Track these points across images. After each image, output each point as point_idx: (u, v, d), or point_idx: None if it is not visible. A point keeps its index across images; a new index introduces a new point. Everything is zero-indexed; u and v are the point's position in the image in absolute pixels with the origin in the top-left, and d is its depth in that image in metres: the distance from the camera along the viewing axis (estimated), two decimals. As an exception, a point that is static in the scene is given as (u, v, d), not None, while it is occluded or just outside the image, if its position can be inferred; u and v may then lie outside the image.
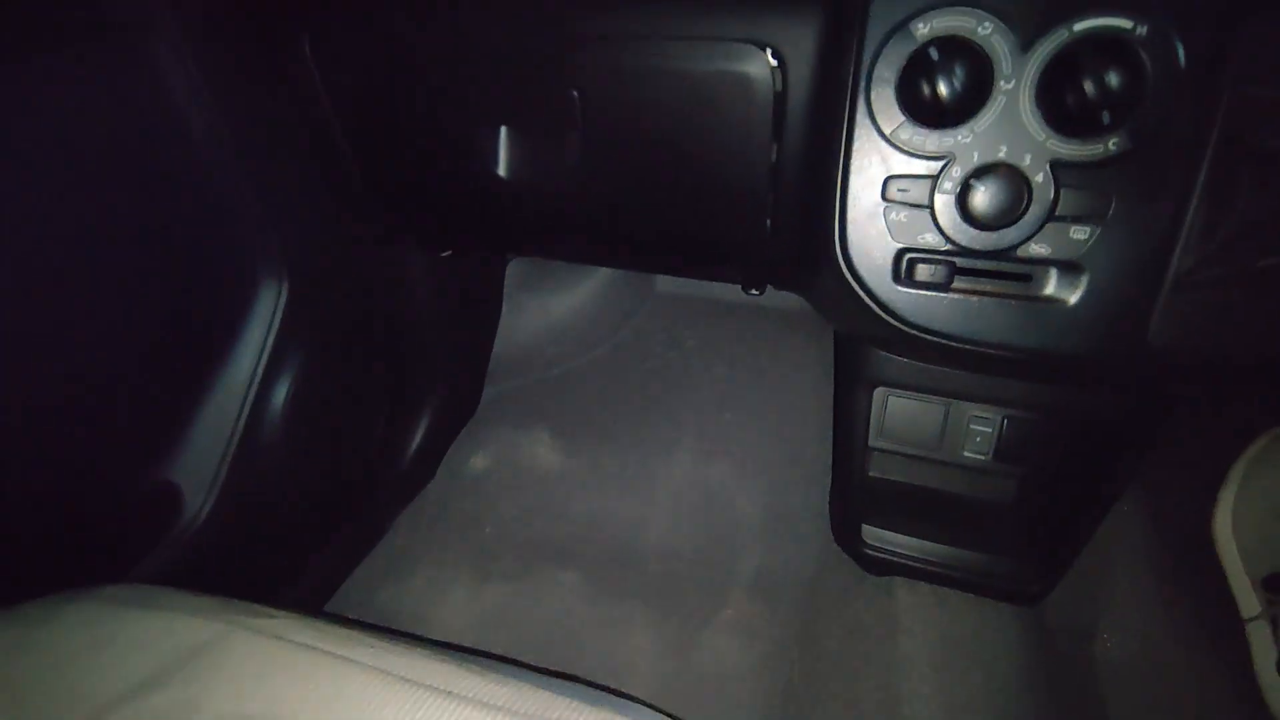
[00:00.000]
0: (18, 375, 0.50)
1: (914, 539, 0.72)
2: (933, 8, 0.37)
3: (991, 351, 0.39)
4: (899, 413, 0.63)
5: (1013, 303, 0.40)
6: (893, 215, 0.41)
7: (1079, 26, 0.35)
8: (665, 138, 0.51)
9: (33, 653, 0.37)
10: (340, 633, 0.36)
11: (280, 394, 0.75)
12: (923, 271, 0.40)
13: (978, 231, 0.39)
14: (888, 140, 0.40)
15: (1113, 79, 0.35)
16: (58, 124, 0.50)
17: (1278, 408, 0.86)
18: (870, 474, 0.68)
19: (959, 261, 0.40)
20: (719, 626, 0.89)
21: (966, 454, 0.61)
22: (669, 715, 0.35)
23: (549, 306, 1.20)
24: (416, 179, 0.64)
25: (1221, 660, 0.79)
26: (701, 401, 1.07)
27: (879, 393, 0.63)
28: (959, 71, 0.37)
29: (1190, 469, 0.88)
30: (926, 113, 0.38)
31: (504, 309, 1.17)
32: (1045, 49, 0.36)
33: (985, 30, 0.36)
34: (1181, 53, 0.34)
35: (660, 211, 0.56)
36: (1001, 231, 0.38)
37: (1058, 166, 0.37)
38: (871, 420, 0.64)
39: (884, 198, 0.41)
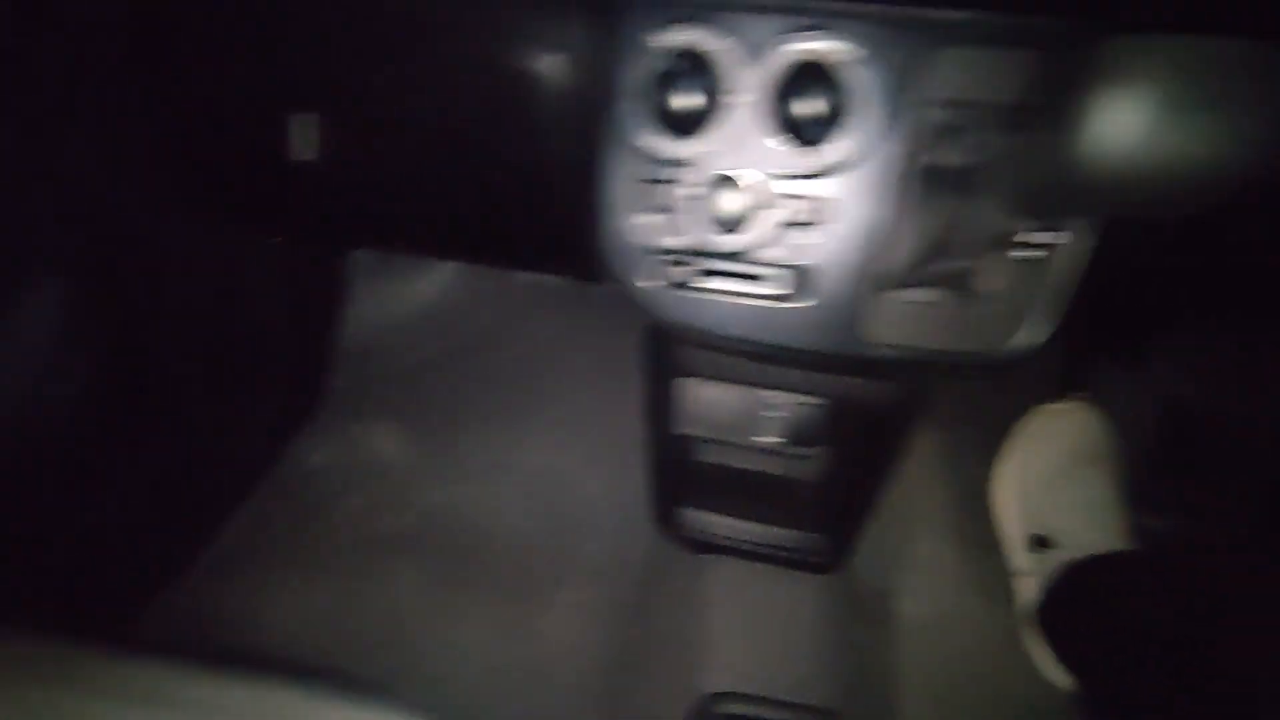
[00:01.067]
0: None
1: (728, 519, 0.77)
2: (672, 23, 0.40)
3: (742, 346, 0.43)
4: (701, 400, 0.66)
5: (753, 301, 0.44)
6: (641, 219, 0.43)
7: (791, 49, 0.39)
8: (466, 132, 0.51)
9: None
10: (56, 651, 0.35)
11: (62, 404, 0.68)
12: (672, 272, 0.43)
13: (716, 235, 0.42)
14: (635, 147, 0.42)
15: (824, 98, 0.39)
16: None
17: (1062, 387, 0.99)
18: (679, 459, 0.72)
19: (705, 264, 0.43)
20: (558, 609, 0.91)
21: (764, 438, 0.65)
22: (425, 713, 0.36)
23: (399, 296, 1.17)
24: (219, 152, 0.61)
25: (999, 611, 0.91)
26: (555, 389, 1.08)
27: (682, 382, 0.66)
28: (696, 84, 0.40)
29: (982, 443, 1.00)
30: (669, 122, 0.41)
31: (350, 298, 1.13)
32: (770, 67, 0.39)
33: (717, 46, 0.39)
34: (876, 78, 0.38)
35: (468, 207, 0.57)
36: (738, 235, 0.42)
37: (784, 176, 0.41)
38: (676, 408, 0.67)
39: (633, 201, 0.43)
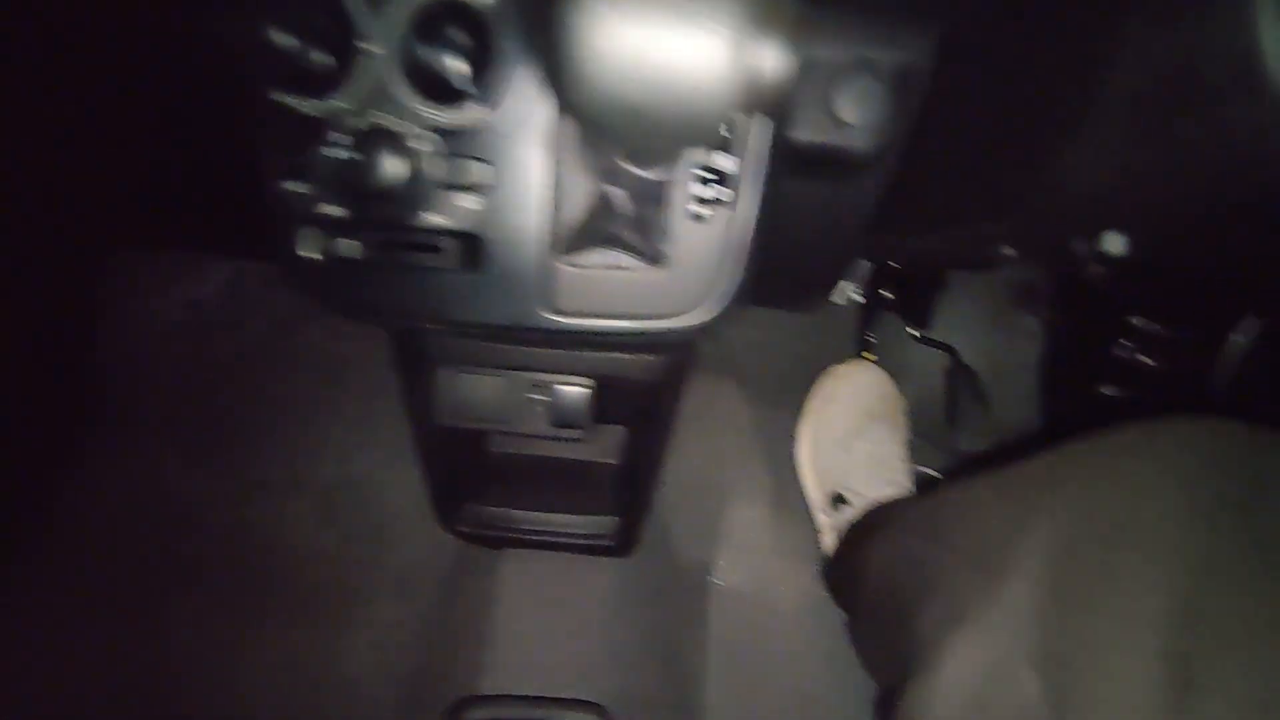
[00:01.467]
0: None
1: (516, 510, 0.73)
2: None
3: (415, 324, 0.39)
4: (460, 390, 0.62)
5: (432, 274, 0.39)
6: (286, 186, 0.38)
7: None
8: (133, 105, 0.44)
9: None
10: None
11: None
12: (330, 245, 0.38)
13: (373, 201, 0.37)
14: (271, 106, 0.36)
15: (469, 46, 0.35)
16: None
17: (861, 348, 1.04)
18: (450, 454, 0.68)
19: (364, 235, 0.38)
20: (360, 627, 0.84)
21: (531, 425, 0.62)
22: None
23: (167, 303, 1.04)
24: None
25: (808, 572, 0.94)
26: (347, 392, 1.00)
27: (439, 371, 0.61)
28: (322, 32, 0.35)
29: (790, 409, 1.02)
30: (301, 77, 0.36)
31: (104, 312, 0.99)
32: (401, 10, 0.35)
33: None
34: (529, 27, 0.35)
35: (157, 189, 0.49)
36: (399, 201, 0.37)
37: (441, 134, 0.37)
38: (436, 400, 0.62)
39: (279, 168, 0.37)
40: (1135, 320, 0.81)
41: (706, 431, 1.00)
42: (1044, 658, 0.34)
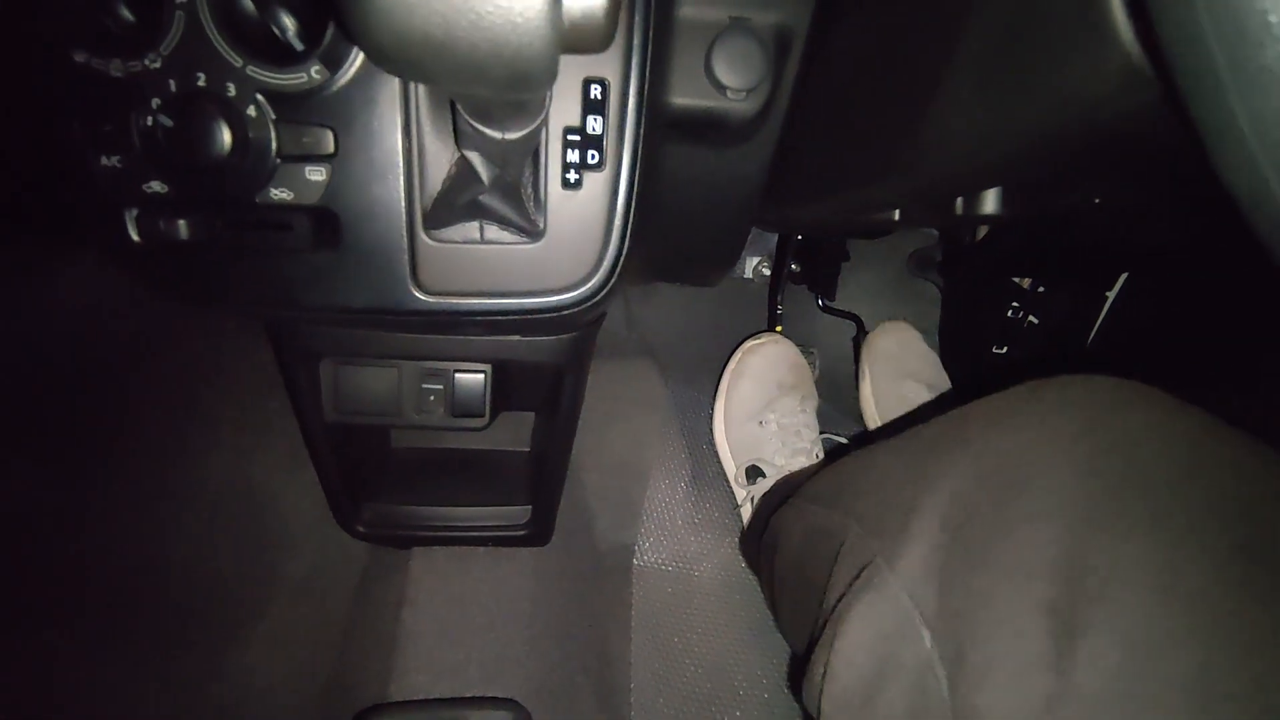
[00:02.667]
0: None
1: (423, 507, 0.70)
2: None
3: (267, 312, 0.36)
4: (349, 383, 0.58)
5: (280, 256, 0.36)
6: (102, 161, 0.33)
7: None
8: None
9: None
10: None
11: None
12: (166, 228, 0.34)
13: (203, 176, 0.33)
14: (72, 68, 0.32)
15: (295, 2, 0.32)
16: None
17: (770, 326, 1.04)
18: (343, 451, 0.63)
19: (198, 213, 0.34)
20: (259, 643, 0.78)
21: (428, 415, 0.59)
22: None
23: (20, 307, 0.92)
24: None
25: (728, 545, 0.94)
26: (235, 392, 0.93)
27: (324, 365, 0.57)
28: None
29: (706, 385, 1.02)
30: (108, 36, 0.31)
31: None
32: None
33: None
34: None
35: None
36: (233, 175, 0.33)
37: (271, 99, 0.33)
38: (323, 395, 0.58)
39: (87, 143, 0.33)
40: (1022, 282, 0.85)
41: (623, 412, 0.99)
42: (941, 617, 0.35)
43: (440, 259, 0.37)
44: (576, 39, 0.21)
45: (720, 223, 0.54)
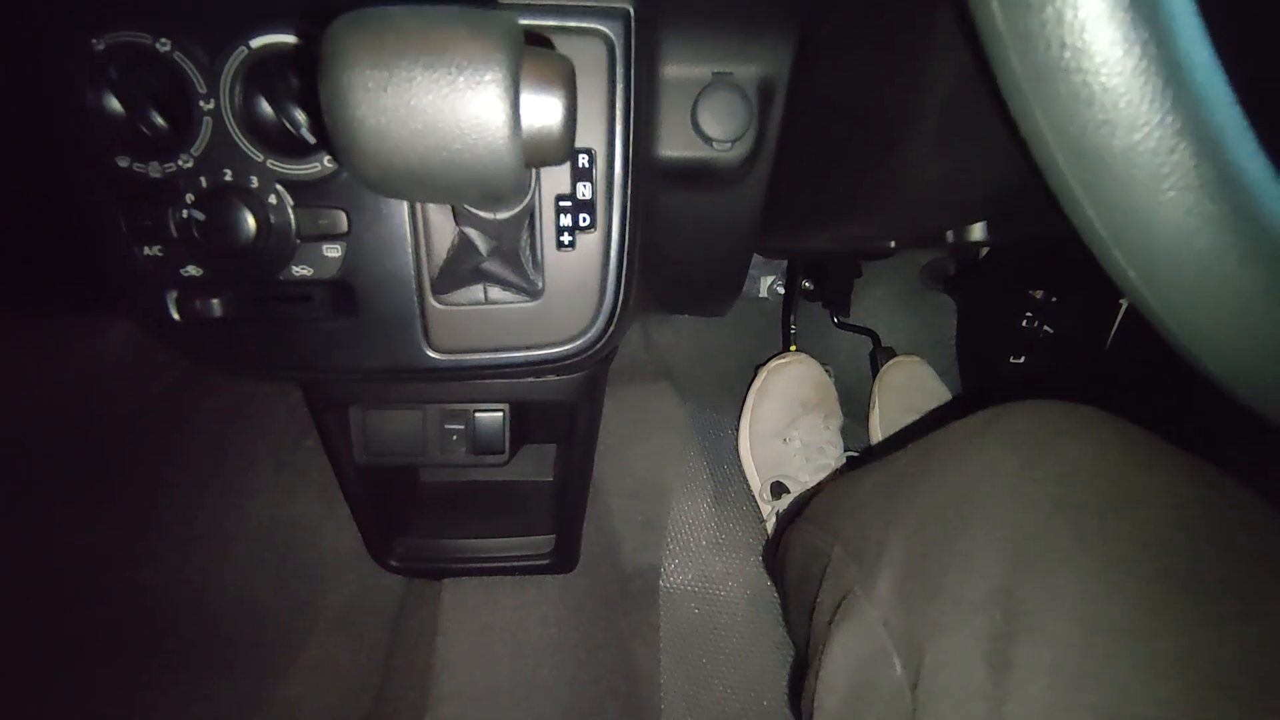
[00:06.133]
0: None
1: (452, 539, 0.73)
2: (117, 27, 0.34)
3: (298, 377, 0.39)
4: (376, 427, 0.61)
5: (304, 326, 0.39)
6: (144, 251, 0.37)
7: (255, 43, 0.34)
8: None
9: None
10: None
11: None
12: (203, 307, 0.37)
13: (232, 259, 0.37)
14: (114, 172, 0.35)
15: (302, 96, 0.35)
16: None
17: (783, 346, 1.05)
18: (375, 490, 0.67)
19: (229, 293, 0.38)
20: (299, 672, 0.82)
21: (451, 455, 0.62)
22: None
23: (69, 357, 0.99)
24: None
25: (752, 563, 0.95)
26: (276, 434, 0.97)
27: (353, 411, 0.60)
28: (159, 95, 0.34)
29: (728, 405, 1.04)
30: (142, 140, 0.35)
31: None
32: (232, 66, 0.34)
33: (166, 47, 0.34)
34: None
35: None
36: (258, 256, 0.37)
37: (290, 187, 0.36)
38: (353, 438, 0.61)
39: (130, 236, 0.37)
40: (1035, 293, 0.85)
41: (644, 435, 1.01)
42: (904, 643, 0.36)
43: (449, 320, 0.39)
44: (538, 158, 0.24)
45: (719, 260, 0.56)
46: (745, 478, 0.98)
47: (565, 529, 0.72)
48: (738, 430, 0.99)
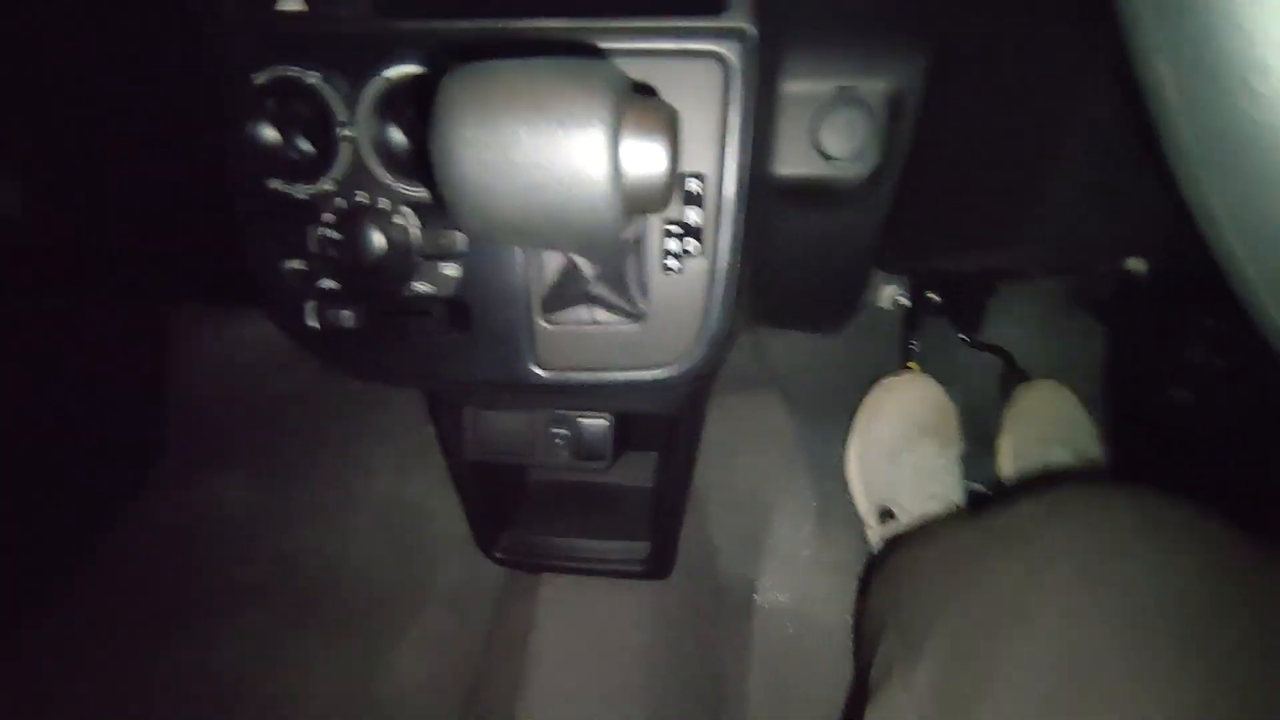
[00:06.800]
0: None
1: (553, 537, 0.75)
2: (268, 60, 0.37)
3: (415, 385, 0.41)
4: (487, 426, 0.64)
5: (423, 338, 0.41)
6: (287, 265, 0.40)
7: (390, 73, 0.36)
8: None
9: None
10: None
11: None
12: (336, 317, 0.41)
13: (363, 274, 0.39)
14: (262, 191, 0.39)
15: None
16: None
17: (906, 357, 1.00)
18: (484, 484, 0.70)
19: (359, 305, 0.41)
20: (410, 642, 0.88)
21: (554, 458, 0.64)
22: None
23: (233, 341, 1.12)
24: None
25: (853, 585, 0.91)
26: (401, 421, 1.05)
27: (466, 411, 0.64)
28: (306, 124, 0.38)
29: (837, 421, 0.99)
30: (285, 163, 0.38)
31: (176, 351, 1.09)
32: (370, 95, 0.37)
33: (314, 79, 0.37)
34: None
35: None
36: (386, 272, 0.39)
37: (415, 208, 0.38)
38: (465, 436, 0.65)
39: (277, 246, 0.40)
40: (1208, 321, 0.74)
41: (749, 446, 0.99)
42: None
43: (555, 339, 0.40)
44: (639, 207, 0.23)
45: (835, 279, 0.54)
46: (851, 498, 0.94)
47: (662, 537, 0.72)
48: (846, 448, 0.95)
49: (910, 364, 0.95)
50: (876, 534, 0.88)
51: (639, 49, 0.35)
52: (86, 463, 0.98)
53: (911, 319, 0.97)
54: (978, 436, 0.93)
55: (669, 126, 0.23)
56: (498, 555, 0.75)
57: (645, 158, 0.22)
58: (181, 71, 0.43)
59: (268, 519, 1.01)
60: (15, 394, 0.86)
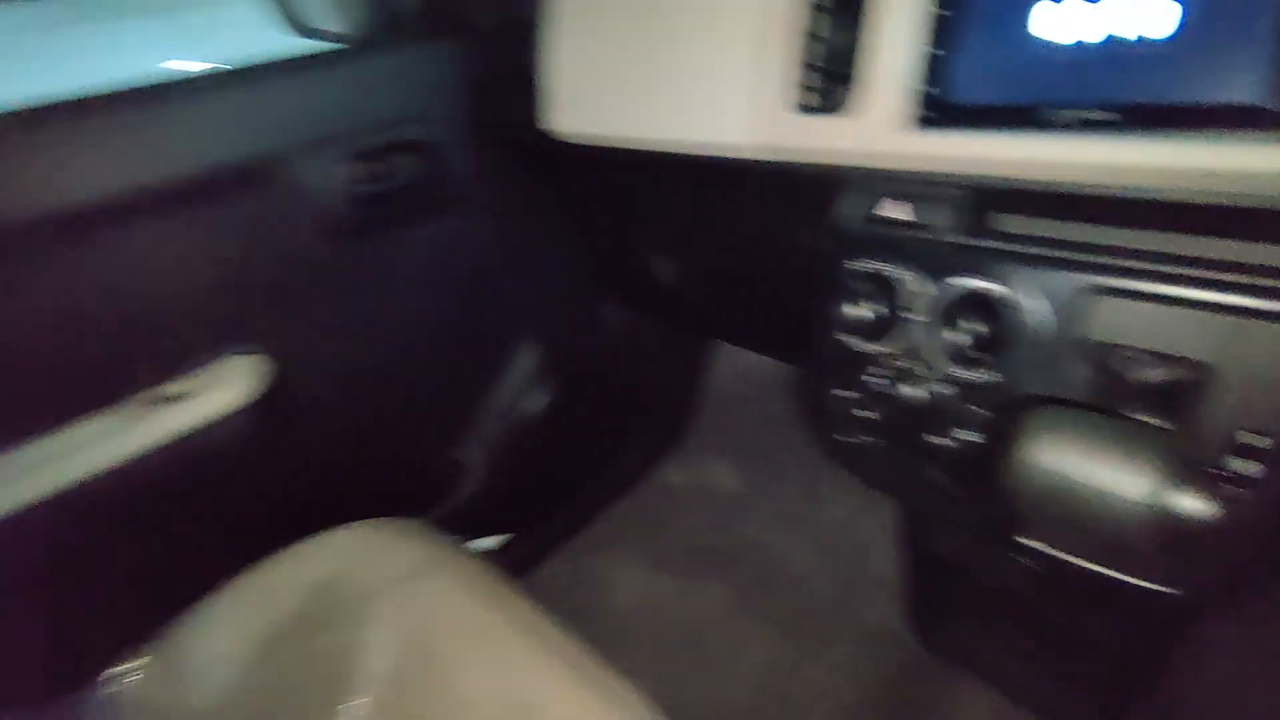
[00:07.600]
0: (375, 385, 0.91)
1: (991, 648, 0.76)
2: (864, 255, 0.50)
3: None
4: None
5: (925, 478, 0.50)
6: (836, 393, 0.54)
7: (963, 283, 0.45)
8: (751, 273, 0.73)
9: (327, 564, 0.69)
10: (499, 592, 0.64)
11: (536, 409, 1.09)
12: (861, 438, 0.53)
13: (894, 416, 0.50)
14: (836, 340, 0.53)
15: (988, 329, 0.44)
16: (428, 259, 0.89)
17: None
18: (936, 574, 0.75)
19: (884, 436, 0.52)
20: (825, 664, 1.01)
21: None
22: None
23: (760, 362, 1.40)
24: (623, 273, 0.94)
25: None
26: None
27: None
28: (879, 301, 0.50)
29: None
30: (859, 325, 0.51)
31: (713, 364, 1.42)
32: (937, 298, 0.46)
33: (890, 273, 0.48)
34: (1035, 317, 0.43)
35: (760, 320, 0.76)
36: (911, 419, 0.50)
37: (956, 383, 0.47)
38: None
39: (833, 382, 0.54)
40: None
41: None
42: None
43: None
44: (1180, 548, 0.27)
45: None
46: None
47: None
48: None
49: None
50: None
51: None
52: (636, 427, 1.36)
53: None
54: None
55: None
56: (931, 644, 0.80)
57: (1192, 501, 0.26)
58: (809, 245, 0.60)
59: (740, 506, 1.25)
60: (606, 376, 1.24)
